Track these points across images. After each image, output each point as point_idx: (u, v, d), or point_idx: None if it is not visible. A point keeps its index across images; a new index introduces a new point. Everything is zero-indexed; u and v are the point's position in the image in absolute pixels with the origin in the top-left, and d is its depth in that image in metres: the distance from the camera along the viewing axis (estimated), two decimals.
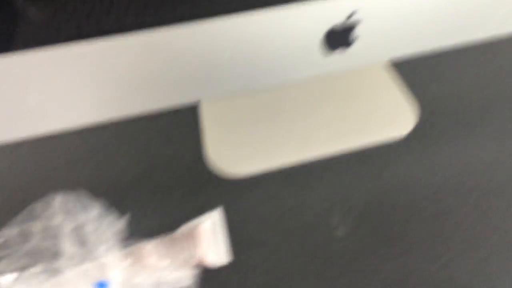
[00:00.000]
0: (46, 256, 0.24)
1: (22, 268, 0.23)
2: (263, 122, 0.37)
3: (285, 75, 0.29)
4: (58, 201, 0.26)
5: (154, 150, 0.36)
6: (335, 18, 0.27)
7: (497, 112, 0.39)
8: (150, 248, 0.27)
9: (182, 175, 0.34)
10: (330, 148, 0.36)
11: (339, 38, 0.28)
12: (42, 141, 0.37)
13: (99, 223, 0.25)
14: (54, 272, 0.23)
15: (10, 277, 0.23)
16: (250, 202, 0.33)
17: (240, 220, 0.32)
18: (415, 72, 0.43)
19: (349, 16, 0.26)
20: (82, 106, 0.25)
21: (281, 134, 0.36)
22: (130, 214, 0.29)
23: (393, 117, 0.38)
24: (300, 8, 0.25)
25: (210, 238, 0.29)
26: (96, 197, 0.28)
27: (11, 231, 0.25)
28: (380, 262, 0.30)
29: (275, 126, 0.37)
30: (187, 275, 0.26)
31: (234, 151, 0.35)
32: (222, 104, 0.38)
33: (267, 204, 0.33)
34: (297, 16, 0.25)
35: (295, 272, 0.30)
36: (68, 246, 0.24)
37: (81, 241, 0.24)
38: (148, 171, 0.35)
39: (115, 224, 0.26)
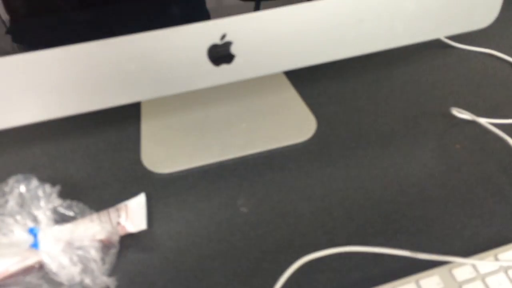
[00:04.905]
0: None
1: None
2: (189, 130, 0.47)
3: (186, 85, 0.39)
4: (12, 181, 0.34)
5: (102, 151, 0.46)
6: (211, 38, 0.37)
7: (386, 123, 0.49)
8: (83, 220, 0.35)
9: (123, 170, 0.44)
10: (242, 151, 0.45)
11: (219, 55, 0.38)
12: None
13: (37, 194, 0.33)
14: None
15: None
16: (173, 190, 0.41)
17: (162, 202, 0.40)
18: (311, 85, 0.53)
19: (222, 37, 0.37)
20: (39, 104, 0.35)
21: (202, 139, 0.46)
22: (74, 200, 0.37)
23: (295, 124, 0.47)
24: (179, 30, 0.35)
25: (133, 212, 0.37)
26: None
27: None
28: (270, 231, 0.38)
29: (198, 133, 0.47)
30: (105, 229, 0.33)
31: (163, 153, 0.45)
32: (159, 115, 0.49)
33: (185, 191, 0.41)
34: (180, 36, 0.36)
35: (204, 238, 0.37)
36: (11, 206, 0.32)
37: (22, 204, 0.32)
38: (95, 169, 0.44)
39: (50, 194, 0.33)
